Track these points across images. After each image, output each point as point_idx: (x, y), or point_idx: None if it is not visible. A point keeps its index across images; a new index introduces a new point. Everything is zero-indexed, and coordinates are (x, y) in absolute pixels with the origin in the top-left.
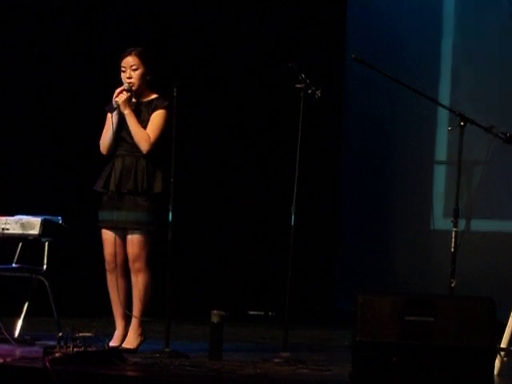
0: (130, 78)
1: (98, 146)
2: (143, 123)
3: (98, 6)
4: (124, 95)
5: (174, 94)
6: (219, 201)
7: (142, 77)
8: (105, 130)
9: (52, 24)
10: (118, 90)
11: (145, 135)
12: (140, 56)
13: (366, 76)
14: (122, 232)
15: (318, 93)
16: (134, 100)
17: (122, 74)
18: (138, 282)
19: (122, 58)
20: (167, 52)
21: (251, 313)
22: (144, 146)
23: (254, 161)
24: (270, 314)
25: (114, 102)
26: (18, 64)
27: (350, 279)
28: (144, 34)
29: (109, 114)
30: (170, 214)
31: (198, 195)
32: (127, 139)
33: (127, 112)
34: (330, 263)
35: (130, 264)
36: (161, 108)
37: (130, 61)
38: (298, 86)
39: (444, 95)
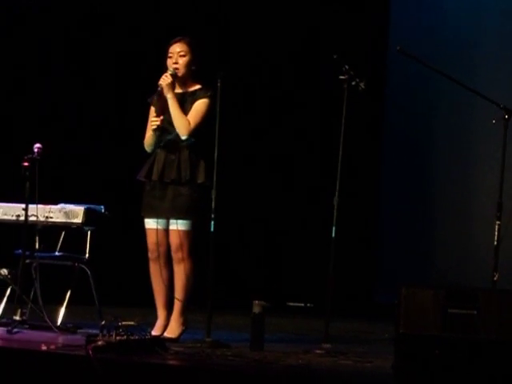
0: (175, 62)
1: (141, 135)
2: (186, 113)
3: None
4: (168, 78)
5: (218, 84)
6: (261, 191)
7: (188, 64)
8: (148, 128)
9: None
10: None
11: (185, 121)
12: (188, 44)
13: (409, 68)
14: (165, 221)
15: (362, 85)
16: (180, 90)
17: (168, 60)
18: (180, 271)
19: (169, 45)
20: (212, 43)
21: (291, 304)
22: (183, 132)
23: (297, 151)
24: (308, 305)
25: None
26: (61, 54)
27: (390, 272)
28: (189, 24)
29: (152, 108)
30: (213, 204)
31: (241, 186)
32: (170, 130)
33: (170, 96)
34: (370, 256)
35: (173, 253)
36: (204, 97)
37: (178, 47)
38: (342, 77)
39: (489, 88)
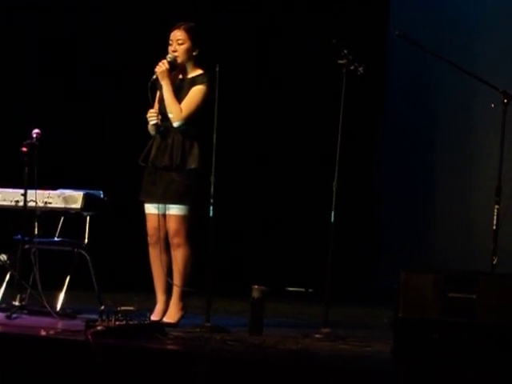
0: (174, 51)
1: (141, 119)
2: (183, 99)
3: None
4: (163, 65)
5: (217, 69)
6: (261, 176)
7: (187, 51)
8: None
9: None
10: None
11: (177, 108)
12: (188, 31)
13: (408, 52)
14: (163, 206)
15: (361, 69)
16: (180, 76)
17: (169, 47)
18: (178, 256)
19: (170, 31)
20: (213, 28)
21: (290, 289)
22: (174, 119)
23: (296, 135)
24: (309, 290)
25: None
26: (63, 38)
27: (389, 257)
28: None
29: (158, 93)
30: (212, 190)
31: (240, 171)
32: (167, 114)
33: (164, 83)
34: (370, 241)
35: (170, 239)
36: (200, 84)
37: (177, 34)
38: (341, 62)
39: (489, 72)
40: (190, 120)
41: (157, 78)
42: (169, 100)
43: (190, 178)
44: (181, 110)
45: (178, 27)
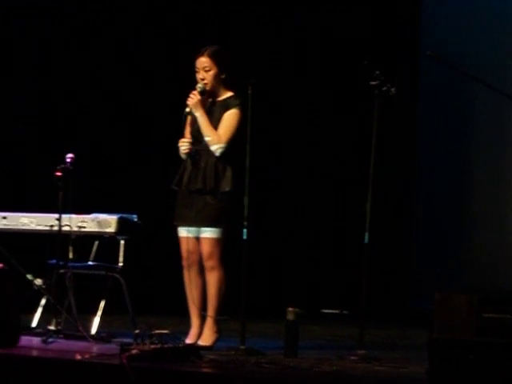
0: (203, 79)
1: (174, 143)
2: (217, 123)
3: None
4: (195, 97)
5: (249, 91)
6: (294, 198)
7: (216, 77)
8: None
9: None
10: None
11: (216, 137)
12: (212, 56)
13: (440, 73)
14: (196, 229)
15: (393, 90)
16: (210, 99)
17: (196, 75)
18: (212, 279)
19: (196, 59)
20: (243, 50)
21: (325, 311)
22: (216, 149)
23: (330, 157)
24: (344, 312)
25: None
26: (98, 63)
27: (425, 278)
28: (222, 30)
29: (189, 117)
30: (246, 212)
31: (273, 193)
32: (199, 138)
33: (199, 114)
34: (405, 262)
35: (204, 262)
36: (233, 107)
37: (202, 62)
38: (373, 83)
39: None
40: (230, 144)
41: (189, 112)
42: (207, 131)
43: (223, 201)
44: (220, 138)
45: (202, 54)
